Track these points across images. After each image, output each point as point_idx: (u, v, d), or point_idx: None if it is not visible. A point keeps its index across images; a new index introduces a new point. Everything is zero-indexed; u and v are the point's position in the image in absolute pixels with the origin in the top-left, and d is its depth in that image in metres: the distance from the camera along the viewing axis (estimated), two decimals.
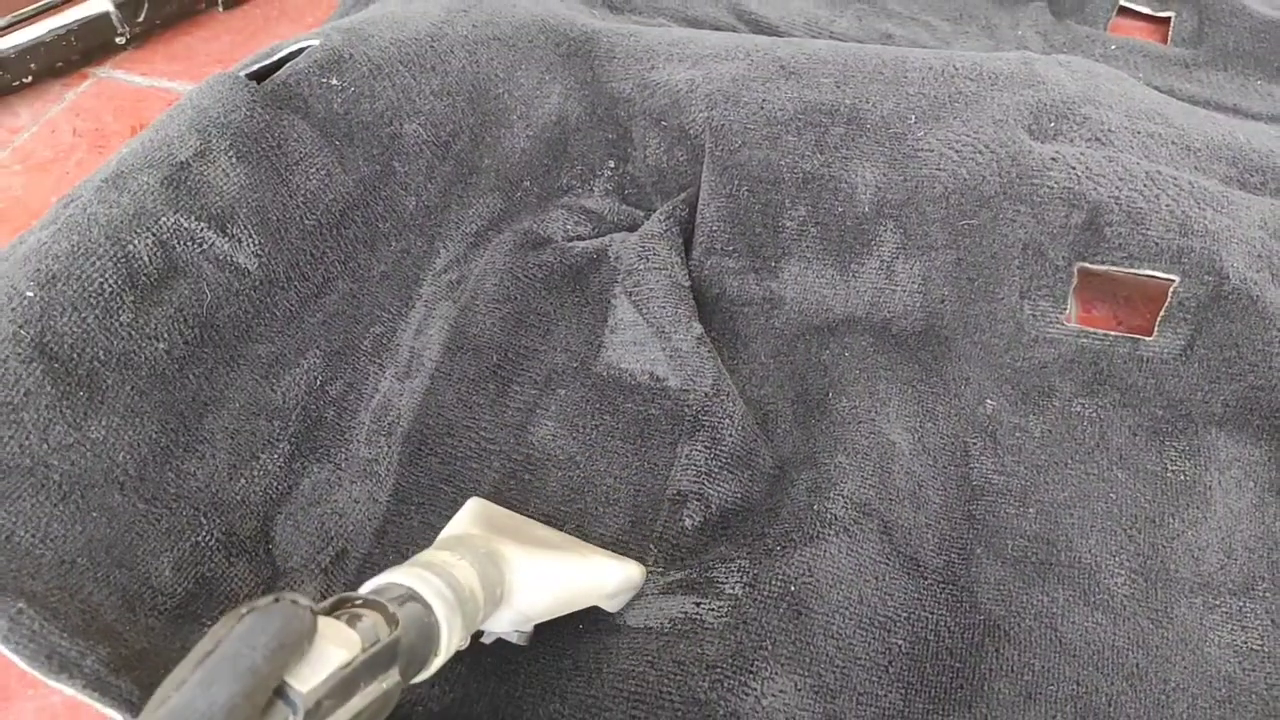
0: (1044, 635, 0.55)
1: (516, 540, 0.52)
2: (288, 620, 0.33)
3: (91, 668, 0.44)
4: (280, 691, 0.32)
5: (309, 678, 0.33)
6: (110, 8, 0.89)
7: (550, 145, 0.78)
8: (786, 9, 0.99)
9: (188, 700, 0.30)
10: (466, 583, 0.44)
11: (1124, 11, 1.04)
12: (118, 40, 0.92)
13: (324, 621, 0.35)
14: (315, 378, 0.65)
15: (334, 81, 0.71)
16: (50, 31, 0.87)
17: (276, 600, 0.34)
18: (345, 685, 0.34)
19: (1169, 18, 1.02)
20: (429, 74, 0.75)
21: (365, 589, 0.42)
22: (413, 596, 0.41)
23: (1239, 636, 0.56)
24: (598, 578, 0.54)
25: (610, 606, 0.55)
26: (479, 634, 0.50)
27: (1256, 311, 0.62)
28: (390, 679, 0.37)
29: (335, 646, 0.34)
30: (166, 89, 0.91)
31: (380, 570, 0.43)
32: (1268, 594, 0.57)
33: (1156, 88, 0.92)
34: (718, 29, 0.95)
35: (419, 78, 0.74)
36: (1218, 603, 0.57)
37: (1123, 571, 0.58)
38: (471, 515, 0.55)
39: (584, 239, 0.75)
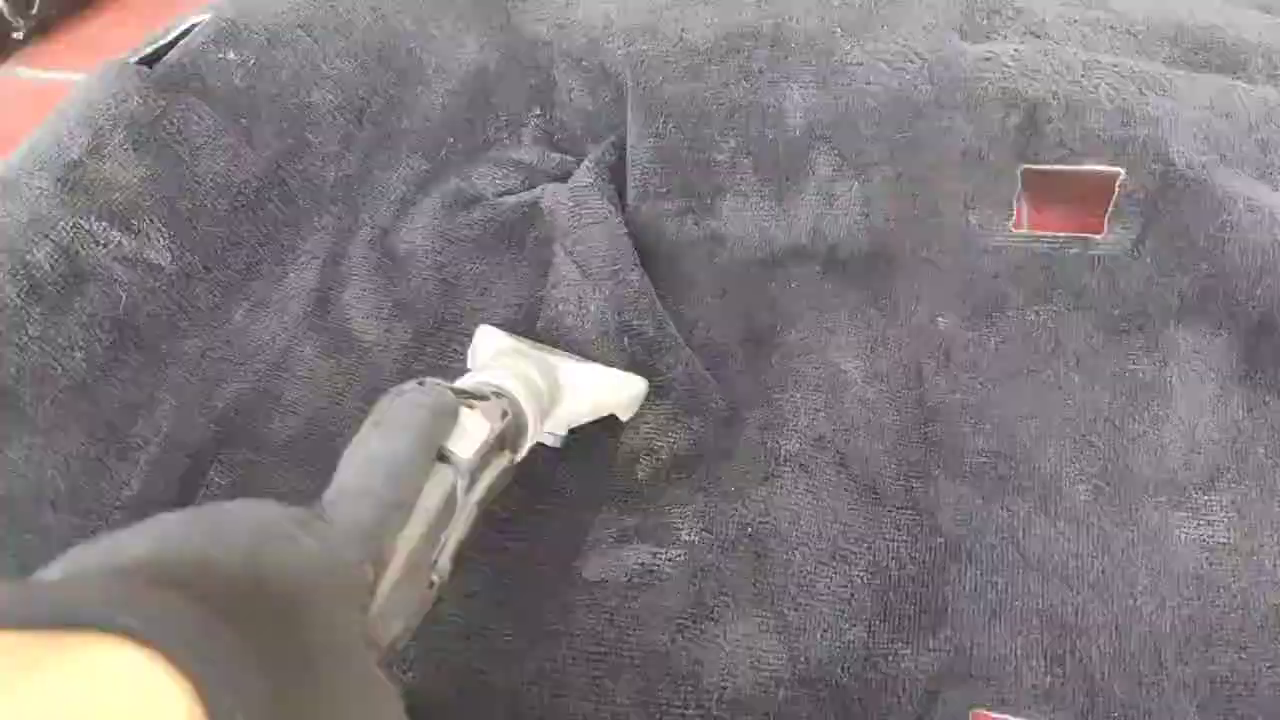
0: (1006, 551, 0.54)
1: (549, 352, 0.58)
2: (440, 395, 0.40)
3: None
4: (443, 457, 0.39)
5: (466, 448, 0.40)
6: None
7: (471, 98, 0.75)
8: None
9: (374, 450, 0.36)
10: (535, 381, 0.50)
11: None
12: (15, 36, 0.88)
13: (460, 404, 0.41)
14: (249, 368, 0.63)
15: (231, 56, 0.68)
16: None
17: (422, 383, 0.40)
18: (485, 456, 0.41)
19: None
20: (333, 36, 0.71)
21: (463, 383, 0.47)
22: (503, 392, 0.47)
23: (1204, 531, 0.55)
24: (618, 385, 0.58)
25: (624, 415, 0.59)
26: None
27: (1207, 196, 0.60)
28: (505, 456, 0.44)
29: (476, 425, 0.41)
30: (68, 80, 0.87)
31: None
32: (1232, 484, 0.56)
33: None
34: None
35: (322, 41, 0.71)
36: (1182, 499, 0.56)
37: (1083, 478, 0.57)
38: (496, 336, 0.58)
39: (514, 193, 0.72)
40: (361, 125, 0.72)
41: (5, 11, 0.85)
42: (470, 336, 0.65)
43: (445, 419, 0.40)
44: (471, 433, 0.41)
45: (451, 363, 0.65)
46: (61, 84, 0.87)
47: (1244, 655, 0.50)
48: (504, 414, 0.44)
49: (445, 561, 0.38)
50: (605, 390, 0.57)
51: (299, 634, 0.26)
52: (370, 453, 0.36)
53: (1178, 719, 0.48)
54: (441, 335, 0.66)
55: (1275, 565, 0.53)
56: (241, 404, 0.62)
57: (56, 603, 0.21)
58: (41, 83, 0.88)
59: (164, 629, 0.21)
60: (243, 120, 0.67)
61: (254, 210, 0.67)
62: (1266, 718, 0.49)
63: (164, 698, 0.21)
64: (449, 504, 0.38)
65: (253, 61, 0.68)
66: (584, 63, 0.72)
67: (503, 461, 0.44)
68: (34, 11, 0.87)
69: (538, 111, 0.76)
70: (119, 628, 0.21)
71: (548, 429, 0.54)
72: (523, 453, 0.48)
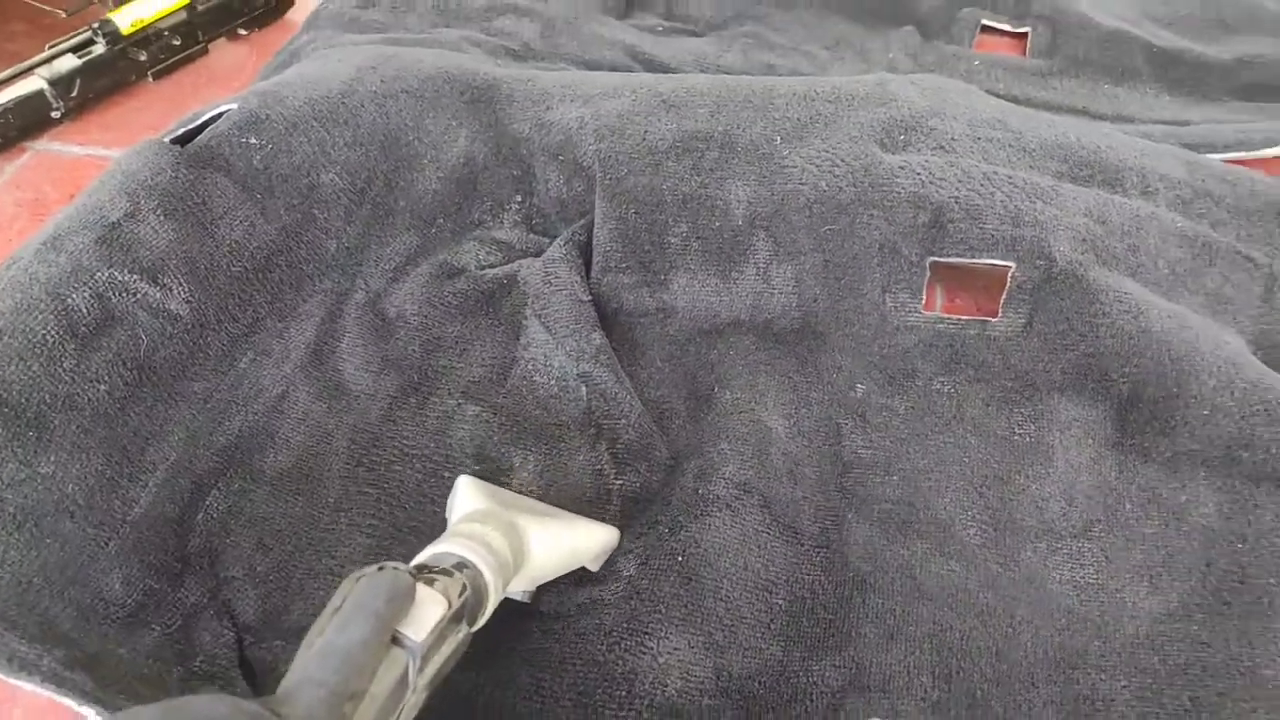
0: (905, 584, 0.62)
1: (521, 511, 0.59)
2: (395, 580, 0.41)
3: (49, 667, 0.50)
4: (396, 640, 0.40)
5: (419, 630, 0.41)
6: (44, 85, 0.96)
7: (460, 184, 0.86)
8: (678, 49, 1.08)
9: (330, 640, 0.38)
10: (500, 549, 0.52)
11: (986, 29, 1.14)
12: (53, 114, 0.98)
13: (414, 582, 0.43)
14: (250, 409, 0.72)
15: (252, 140, 0.78)
16: None
17: (381, 568, 0.42)
18: (440, 635, 0.42)
19: (1026, 33, 1.12)
20: (342, 127, 0.82)
21: (423, 557, 0.49)
22: (465, 564, 0.48)
23: (1077, 573, 0.63)
24: (588, 540, 0.61)
25: (594, 567, 0.62)
26: None
27: (1083, 289, 0.70)
28: (463, 630, 0.45)
29: (432, 604, 0.42)
30: (103, 156, 0.97)
31: (317, 576, 0.50)
32: (1102, 534, 0.65)
33: (1015, 96, 1.02)
34: (615, 70, 1.03)
35: (332, 131, 0.81)
36: (1059, 545, 0.65)
37: (974, 524, 0.65)
38: (472, 491, 0.61)
39: (495, 267, 0.82)
40: (362, 204, 0.82)
41: (48, 94, 0.96)
42: (449, 388, 0.74)
43: (400, 603, 0.41)
44: (427, 613, 0.42)
45: (431, 412, 0.73)
46: (90, 159, 0.97)
47: (1104, 677, 0.58)
48: (463, 589, 0.45)
49: None
50: (574, 546, 0.60)
51: None
52: (326, 643, 0.38)
53: None
54: (424, 388, 0.75)
55: (1135, 602, 0.61)
56: (241, 439, 0.70)
57: None
58: (73, 156, 0.98)
59: None
60: (258, 196, 0.77)
61: (263, 273, 0.76)
62: None
63: None
64: (400, 686, 0.40)
65: (270, 147, 0.79)
66: (560, 157, 0.82)
67: (459, 635, 0.44)
68: (73, 94, 0.98)
69: (519, 199, 0.87)
70: None
71: (516, 590, 0.57)
72: (482, 621, 0.50)
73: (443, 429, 0.71)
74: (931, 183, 0.74)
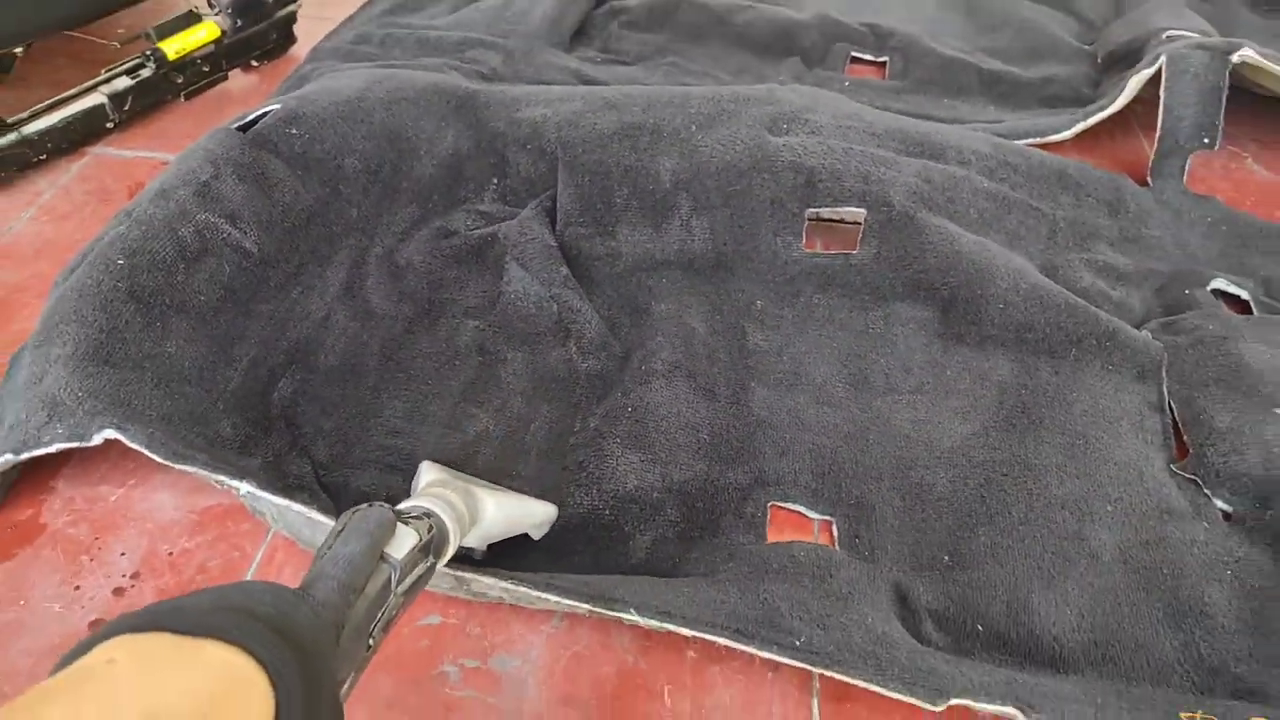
0: (792, 422, 0.88)
1: (475, 484, 0.73)
2: (382, 512, 0.53)
3: (199, 459, 0.72)
4: (383, 558, 0.52)
5: (399, 550, 0.53)
6: (105, 100, 1.18)
7: (450, 169, 1.11)
8: (613, 74, 1.36)
9: (338, 550, 0.50)
10: (458, 506, 0.66)
11: (855, 59, 1.44)
12: (108, 125, 1.20)
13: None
14: (303, 325, 0.94)
15: (293, 131, 1.02)
16: (61, 119, 1.15)
17: (370, 505, 0.54)
18: (412, 560, 0.54)
19: (885, 61, 1.43)
20: (359, 124, 1.06)
21: (400, 507, 0.61)
22: (430, 513, 0.61)
23: (912, 414, 0.89)
24: (531, 512, 0.76)
25: (535, 534, 0.77)
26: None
27: (914, 226, 0.98)
28: (429, 561, 0.58)
29: (408, 536, 0.54)
30: (149, 157, 1.20)
31: (366, 432, 0.74)
32: (930, 390, 0.91)
33: (876, 106, 1.31)
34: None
35: (352, 127, 1.06)
36: (900, 398, 0.91)
37: (841, 385, 0.92)
38: (434, 470, 0.74)
39: (480, 228, 1.06)
40: (375, 183, 1.06)
41: (107, 107, 1.19)
42: (453, 311, 0.98)
43: (386, 530, 0.52)
44: (404, 541, 0.54)
45: (441, 327, 0.97)
46: (140, 159, 1.20)
47: (928, 472, 0.84)
48: (430, 529, 0.58)
49: (379, 632, 0.50)
50: (519, 513, 0.74)
51: (309, 664, 0.38)
52: (334, 552, 0.49)
53: (885, 507, 0.81)
54: (434, 313, 0.98)
55: (951, 428, 0.88)
56: (299, 345, 0.92)
57: (197, 620, 0.35)
58: (124, 159, 1.20)
59: (259, 644, 0.35)
60: (299, 172, 1.01)
61: (305, 229, 1.00)
62: (948, 506, 0.82)
63: (256, 687, 0.34)
64: (384, 590, 0.51)
65: (307, 136, 1.03)
66: (528, 146, 1.08)
67: (426, 565, 0.57)
68: (126, 109, 1.21)
69: (495, 180, 1.12)
70: (234, 640, 0.35)
71: (471, 543, 0.70)
72: (445, 559, 0.62)
73: (451, 336, 0.95)
74: (805, 155, 1.02)
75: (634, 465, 0.83)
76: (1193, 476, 0.83)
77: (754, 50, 1.45)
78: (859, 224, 1.01)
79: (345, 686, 0.46)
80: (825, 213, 1.02)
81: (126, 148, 1.21)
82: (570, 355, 0.93)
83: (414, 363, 0.92)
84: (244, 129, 1.00)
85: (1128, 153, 1.26)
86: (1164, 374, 0.91)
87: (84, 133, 1.18)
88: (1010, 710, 0.63)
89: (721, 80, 1.37)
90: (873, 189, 1.00)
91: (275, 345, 0.91)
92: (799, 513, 0.82)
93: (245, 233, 0.92)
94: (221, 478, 0.72)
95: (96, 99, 1.18)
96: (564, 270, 0.98)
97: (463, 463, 0.83)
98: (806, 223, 1.02)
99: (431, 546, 0.58)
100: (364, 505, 0.54)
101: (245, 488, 0.71)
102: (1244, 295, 1.02)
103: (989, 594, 0.75)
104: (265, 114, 1.03)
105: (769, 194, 1.01)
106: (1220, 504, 0.81)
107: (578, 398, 0.90)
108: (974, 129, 1.23)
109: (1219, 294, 1.03)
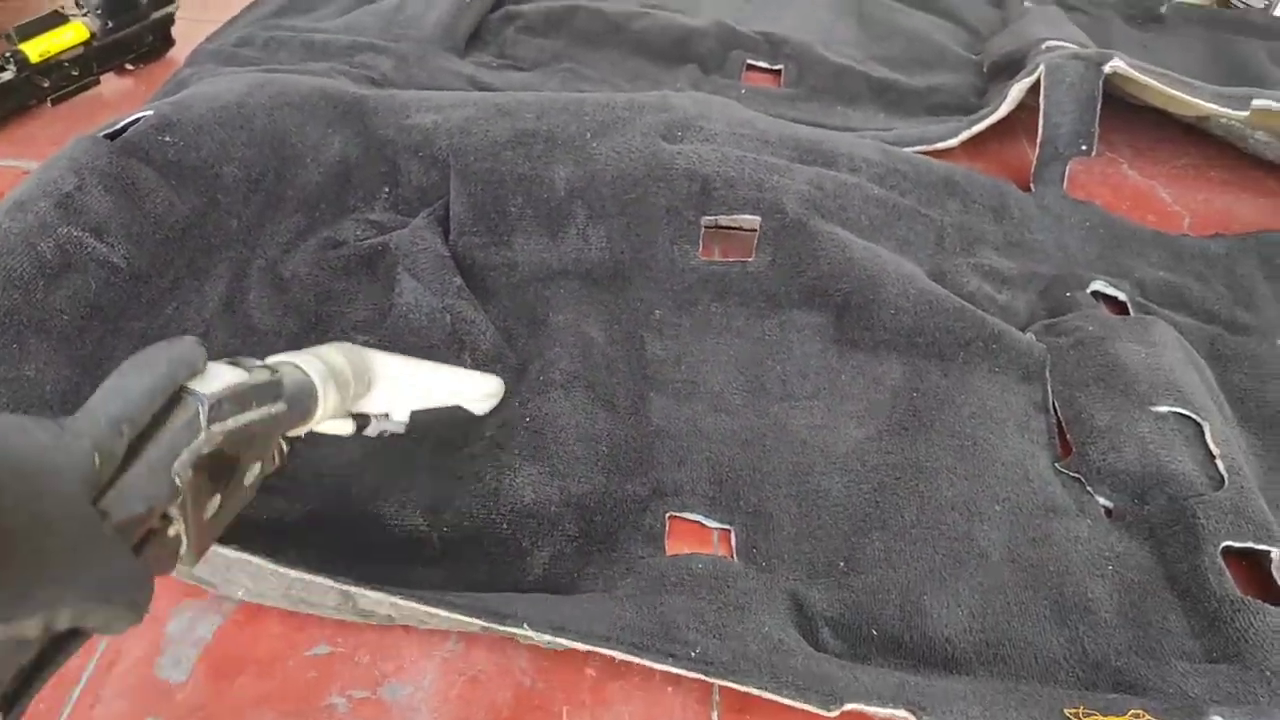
0: (690, 430, 0.88)
1: (383, 354, 0.71)
2: (174, 342, 0.47)
3: None
4: (184, 390, 0.46)
5: (207, 386, 0.47)
6: None
7: (337, 177, 1.07)
8: (509, 80, 1.34)
9: (108, 384, 0.43)
10: (335, 362, 0.61)
11: (750, 67, 1.45)
12: None
13: (219, 363, 0.50)
14: None
15: (167, 138, 0.97)
16: None
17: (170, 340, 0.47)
18: (238, 398, 0.48)
19: (780, 69, 1.45)
20: (238, 131, 1.02)
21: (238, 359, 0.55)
22: (290, 365, 0.57)
23: (809, 419, 0.90)
24: (455, 381, 0.73)
25: (477, 410, 0.76)
26: (366, 422, 0.74)
27: (807, 234, 0.99)
28: (279, 407, 0.53)
29: (230, 374, 0.49)
30: (12, 166, 1.12)
31: None
32: (826, 396, 0.92)
33: (771, 114, 1.32)
34: None
35: (231, 134, 1.01)
36: (796, 404, 0.91)
37: (738, 393, 0.92)
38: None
39: (370, 238, 1.03)
40: (257, 192, 1.02)
41: None
42: (341, 326, 0.95)
43: (181, 359, 0.46)
44: (222, 376, 0.48)
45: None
46: (3, 168, 1.12)
47: (824, 478, 0.85)
48: (272, 374, 0.54)
49: (187, 470, 0.44)
50: (432, 380, 0.73)
51: (18, 485, 0.34)
52: (109, 384, 0.43)
53: (782, 514, 0.82)
54: (320, 327, 0.95)
55: (846, 433, 0.89)
56: None
57: None
58: None
59: None
60: (173, 182, 0.96)
61: (180, 241, 0.95)
62: (843, 511, 0.82)
63: None
64: (190, 427, 0.45)
65: (181, 144, 0.98)
66: (420, 153, 1.05)
67: (274, 409, 0.52)
68: None
69: (387, 189, 1.08)
70: None
71: (378, 408, 0.70)
72: (316, 417, 0.59)
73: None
74: (700, 163, 1.02)
75: (531, 478, 0.81)
76: (1076, 474, 0.86)
77: (650, 57, 1.45)
78: (754, 231, 1.01)
79: (128, 517, 0.40)
80: (721, 220, 1.02)
81: None
82: (465, 367, 0.90)
83: None
84: (113, 136, 0.95)
85: (1013, 159, 1.30)
86: (1048, 375, 0.94)
87: None
88: (902, 713, 0.63)
89: (619, 86, 1.36)
90: (767, 196, 1.00)
91: None
92: (697, 522, 0.82)
93: (113, 247, 0.87)
94: None
95: None
96: (457, 280, 0.96)
97: (353, 476, 0.80)
98: (703, 230, 1.02)
99: (282, 395, 0.53)
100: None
101: None
102: (1121, 296, 1.06)
103: (883, 598, 0.75)
104: (136, 120, 0.97)
105: (665, 202, 1.01)
106: (1102, 500, 0.84)
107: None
108: (864, 137, 1.25)
109: (1099, 295, 1.07)
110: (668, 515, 0.81)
